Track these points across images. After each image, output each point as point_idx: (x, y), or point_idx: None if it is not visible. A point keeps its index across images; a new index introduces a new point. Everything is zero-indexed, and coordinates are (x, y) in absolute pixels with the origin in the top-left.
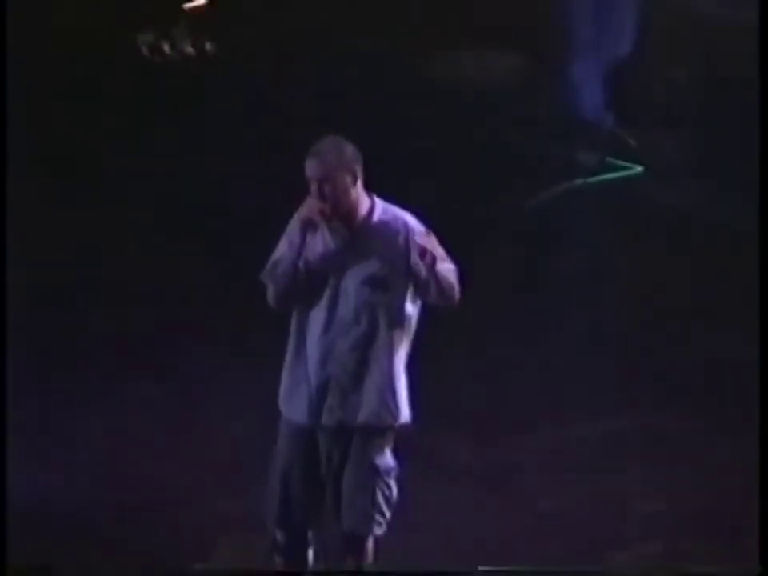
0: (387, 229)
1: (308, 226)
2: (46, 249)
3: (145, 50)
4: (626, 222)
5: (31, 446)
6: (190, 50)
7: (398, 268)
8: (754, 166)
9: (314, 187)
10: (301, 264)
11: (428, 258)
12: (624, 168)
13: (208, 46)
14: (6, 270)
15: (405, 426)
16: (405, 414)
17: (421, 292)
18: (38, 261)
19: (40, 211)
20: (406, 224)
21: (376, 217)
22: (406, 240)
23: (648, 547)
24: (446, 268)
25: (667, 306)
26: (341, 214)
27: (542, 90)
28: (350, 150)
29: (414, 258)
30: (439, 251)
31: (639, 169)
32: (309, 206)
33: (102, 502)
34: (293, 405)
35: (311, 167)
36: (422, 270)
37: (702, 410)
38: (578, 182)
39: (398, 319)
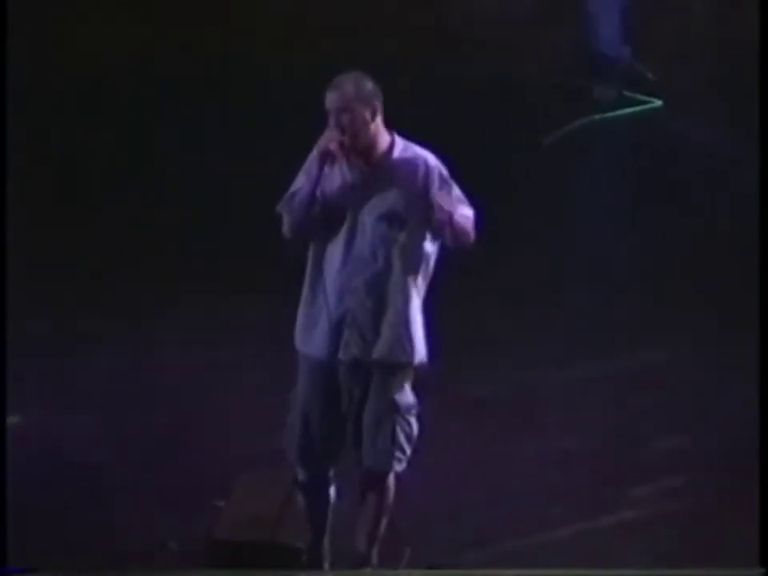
0: (407, 166)
1: (326, 156)
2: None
3: None
4: (643, 156)
5: (37, 398)
6: None
7: (416, 206)
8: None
9: (332, 118)
10: (318, 195)
11: (444, 215)
12: (642, 102)
13: None
14: (6, 269)
15: (422, 365)
16: (421, 352)
17: (436, 233)
18: (38, 259)
19: (40, 211)
20: (426, 163)
21: (396, 154)
22: (426, 179)
23: (666, 482)
24: (463, 215)
25: (687, 240)
26: (359, 147)
27: (558, 24)
28: (369, 84)
29: (433, 199)
30: (456, 193)
31: (658, 102)
32: (327, 137)
33: (119, 441)
34: (310, 340)
35: (330, 99)
36: (437, 220)
37: (715, 348)
38: (596, 117)
39: (414, 256)
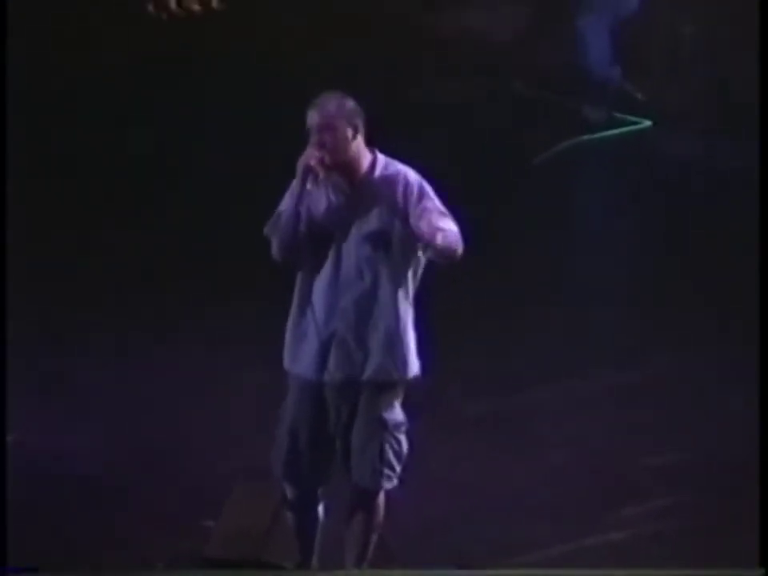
0: (389, 184)
1: (307, 173)
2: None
3: (151, 7)
4: (635, 177)
5: (37, 402)
6: (196, 6)
7: (399, 224)
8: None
9: (313, 136)
10: (302, 214)
11: (425, 239)
12: (632, 123)
13: (215, 2)
14: (6, 267)
15: (412, 381)
16: (410, 369)
17: (421, 250)
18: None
19: (40, 211)
20: (406, 178)
21: (378, 172)
22: (406, 196)
23: (658, 501)
24: (444, 234)
25: (679, 260)
26: (340, 165)
27: (549, 44)
28: (350, 103)
29: (413, 226)
30: (437, 207)
31: (647, 123)
32: (307, 154)
33: (109, 459)
34: (298, 360)
35: (312, 116)
36: (420, 243)
37: (712, 360)
38: (586, 137)
39: (400, 275)
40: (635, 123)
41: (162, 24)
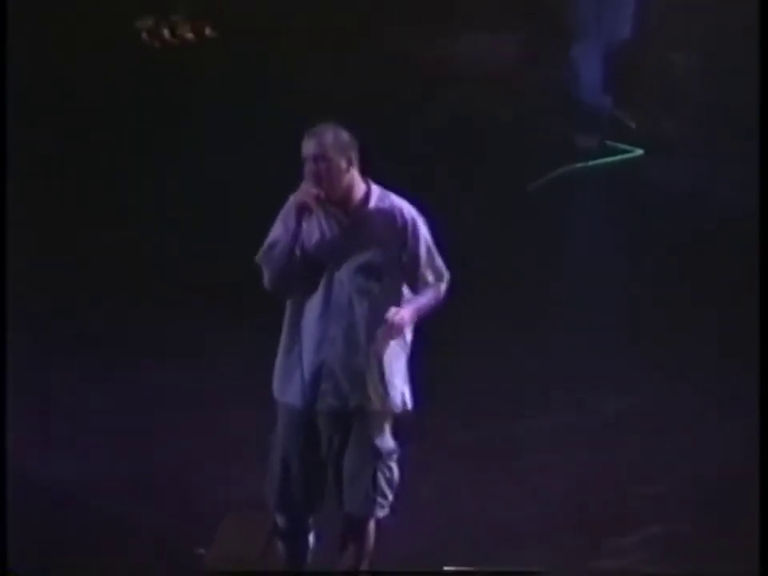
0: (383, 216)
1: (303, 210)
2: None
3: (144, 36)
4: (627, 205)
5: (35, 429)
6: (189, 35)
7: (392, 256)
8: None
9: (308, 166)
10: (297, 249)
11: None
12: (624, 151)
13: (208, 31)
14: (6, 265)
15: (403, 412)
16: (399, 399)
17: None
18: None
19: (40, 211)
20: (402, 214)
21: (372, 203)
22: (403, 232)
23: (651, 530)
24: (426, 304)
25: (671, 289)
26: (335, 198)
27: (540, 72)
28: (345, 135)
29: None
30: (430, 249)
31: (639, 152)
32: (303, 191)
33: (103, 487)
34: (288, 390)
35: (307, 146)
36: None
37: (706, 390)
38: (578, 165)
39: (391, 306)
40: (627, 151)
41: (161, 10)
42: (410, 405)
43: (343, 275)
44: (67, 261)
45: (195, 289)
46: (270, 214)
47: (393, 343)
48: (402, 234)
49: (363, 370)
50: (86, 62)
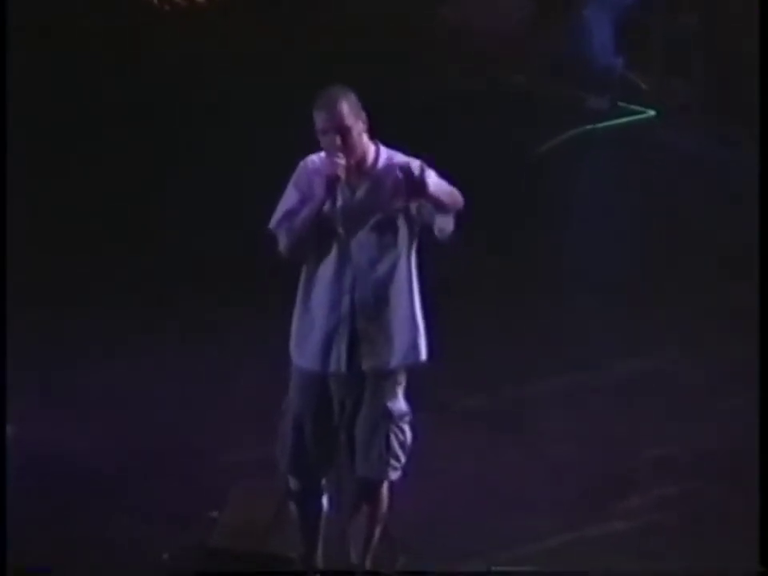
0: (392, 174)
1: (335, 182)
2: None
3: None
4: (637, 167)
5: (38, 396)
6: None
7: (404, 211)
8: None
9: (330, 137)
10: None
11: (417, 189)
12: (636, 112)
13: None
14: (6, 269)
15: (417, 368)
16: (417, 354)
17: (427, 218)
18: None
19: (40, 210)
20: (409, 165)
21: (381, 163)
22: (412, 181)
23: (659, 491)
24: (438, 183)
25: (678, 252)
26: (354, 162)
27: (552, 34)
28: (354, 97)
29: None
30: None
31: (651, 113)
32: (332, 163)
33: (113, 452)
34: (303, 352)
35: (324, 118)
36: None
37: (713, 354)
38: (589, 127)
39: (406, 264)
40: (639, 113)
41: (162, 24)
42: (425, 362)
43: (357, 236)
44: (67, 261)
45: (195, 257)
46: (272, 182)
47: (409, 302)
48: (412, 184)
49: (381, 329)
50: (86, 62)
